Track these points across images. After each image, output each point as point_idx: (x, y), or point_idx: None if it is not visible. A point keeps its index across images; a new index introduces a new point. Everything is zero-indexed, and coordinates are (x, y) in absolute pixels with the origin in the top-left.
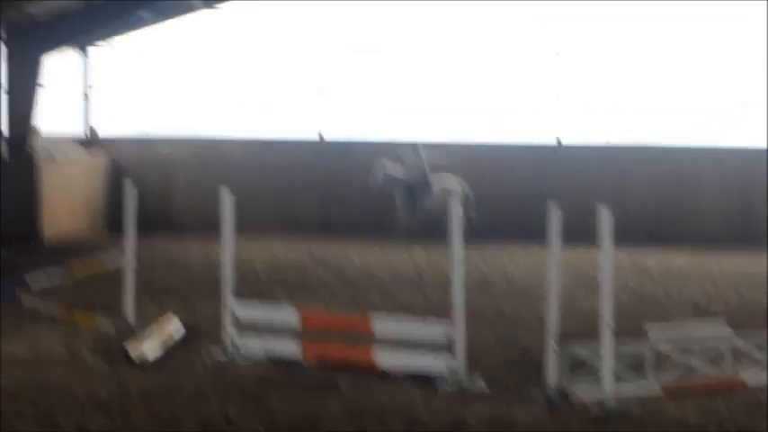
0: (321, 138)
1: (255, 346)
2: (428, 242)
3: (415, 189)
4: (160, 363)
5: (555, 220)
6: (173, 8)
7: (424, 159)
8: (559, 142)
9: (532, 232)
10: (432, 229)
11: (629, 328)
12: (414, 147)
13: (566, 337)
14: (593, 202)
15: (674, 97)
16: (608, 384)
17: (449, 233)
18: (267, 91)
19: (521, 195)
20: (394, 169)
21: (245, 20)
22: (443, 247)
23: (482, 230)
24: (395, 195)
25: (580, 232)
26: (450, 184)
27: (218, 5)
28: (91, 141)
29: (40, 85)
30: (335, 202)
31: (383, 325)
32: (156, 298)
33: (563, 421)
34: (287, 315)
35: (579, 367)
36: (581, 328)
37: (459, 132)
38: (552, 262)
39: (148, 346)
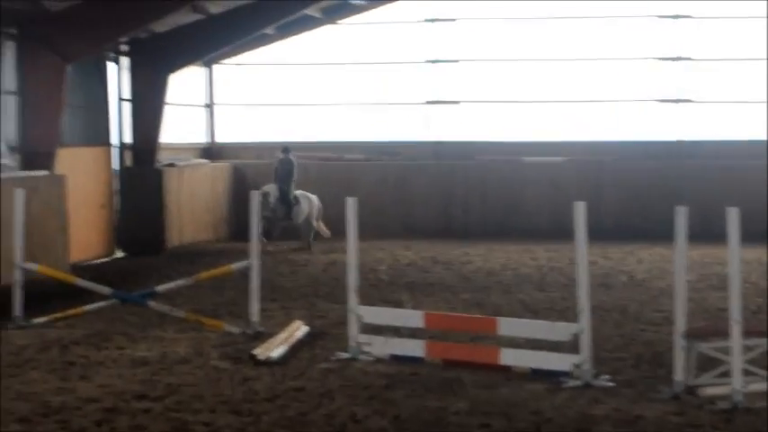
0: (440, 141)
1: (379, 346)
2: (549, 242)
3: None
4: (286, 363)
5: (681, 219)
6: (296, 25)
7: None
8: (683, 139)
9: (656, 230)
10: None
11: (756, 324)
12: (285, 151)
13: (692, 333)
14: (716, 198)
15: None
16: (736, 380)
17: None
18: (386, 99)
19: (643, 193)
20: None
21: (364, 34)
22: (566, 247)
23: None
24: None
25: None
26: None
27: (341, 21)
28: (214, 151)
29: (165, 99)
30: (456, 204)
31: (508, 326)
32: (280, 301)
33: (690, 417)
34: (411, 317)
35: (707, 363)
36: (707, 324)
37: (580, 130)
38: (678, 260)
39: (274, 349)
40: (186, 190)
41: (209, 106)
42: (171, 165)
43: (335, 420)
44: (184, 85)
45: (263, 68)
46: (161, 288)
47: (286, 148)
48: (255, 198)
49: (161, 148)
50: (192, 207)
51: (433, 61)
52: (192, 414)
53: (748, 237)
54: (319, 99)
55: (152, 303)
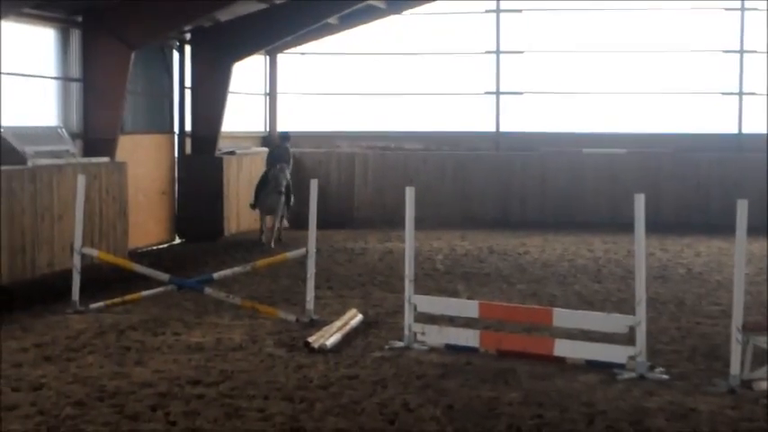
0: (499, 130)
1: (434, 335)
2: (606, 234)
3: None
4: (340, 351)
5: (742, 212)
6: (359, 15)
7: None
8: (744, 132)
9: (714, 223)
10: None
11: None
12: (285, 139)
13: (749, 326)
14: None
15: None
16: None
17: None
18: (447, 90)
19: (702, 186)
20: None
21: (428, 24)
22: (623, 239)
23: (663, 221)
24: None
25: (763, 224)
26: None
27: (405, 12)
28: (273, 138)
29: (228, 88)
30: (514, 195)
31: (564, 317)
32: (335, 289)
33: (745, 410)
34: (466, 306)
35: (763, 357)
36: (764, 318)
37: (641, 122)
38: (738, 253)
39: (329, 337)
40: (245, 178)
41: (271, 95)
42: (231, 153)
43: (388, 409)
44: (246, 73)
45: (325, 58)
46: (218, 275)
47: (286, 135)
48: (315, 186)
49: (222, 136)
50: (250, 195)
51: (497, 52)
52: (245, 400)
53: None
54: (380, 89)
55: (208, 290)
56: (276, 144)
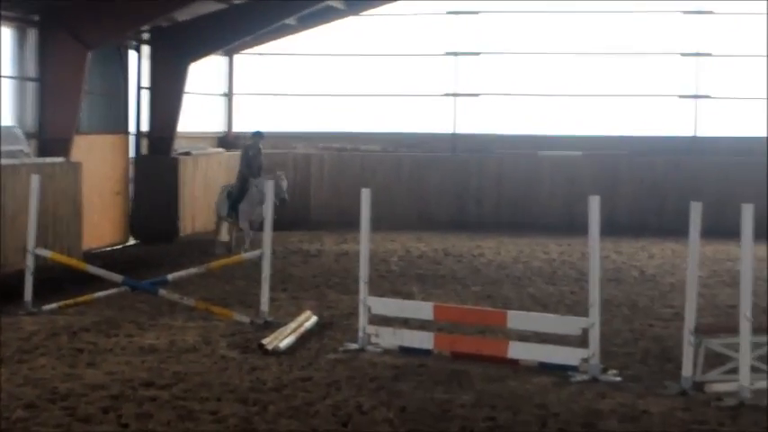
0: (456, 132)
1: (388, 337)
2: (561, 237)
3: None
4: (293, 352)
5: (695, 215)
6: (318, 15)
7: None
8: (699, 135)
9: (668, 226)
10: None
11: (766, 321)
12: (257, 135)
13: (701, 329)
14: (730, 195)
15: None
16: (744, 376)
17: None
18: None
19: (657, 188)
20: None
21: (386, 25)
22: (578, 241)
23: (618, 223)
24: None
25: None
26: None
27: (363, 13)
28: (230, 139)
29: (184, 88)
30: (470, 197)
31: (518, 319)
32: (290, 290)
33: (697, 413)
34: (420, 308)
35: (715, 360)
36: (717, 321)
37: (598, 125)
38: (691, 256)
39: (283, 338)
40: (201, 179)
41: (228, 95)
42: (187, 153)
43: (341, 411)
44: (204, 73)
45: (283, 59)
46: (172, 276)
47: (260, 134)
48: (270, 187)
49: (178, 136)
50: (206, 196)
51: (454, 53)
52: (198, 402)
53: (763, 234)
54: (338, 90)
55: (162, 291)
56: (249, 143)
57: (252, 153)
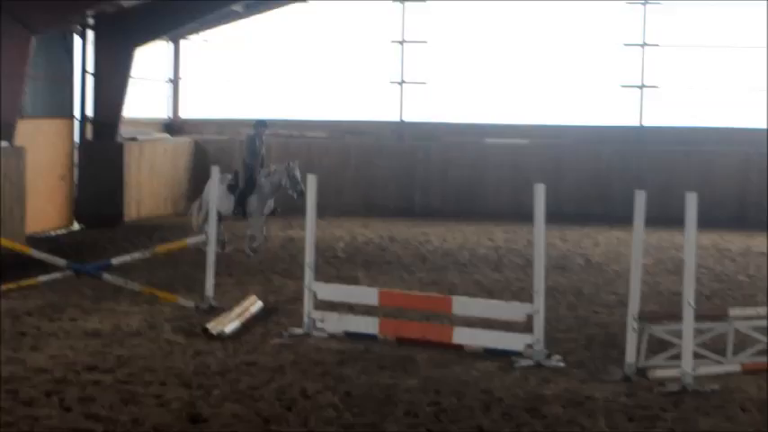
0: (402, 120)
1: (333, 322)
2: (507, 224)
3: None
4: (238, 337)
5: (640, 203)
6: (264, 2)
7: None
8: (644, 124)
9: (613, 214)
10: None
11: (710, 309)
12: (261, 124)
13: (645, 316)
14: (675, 184)
15: (760, 79)
16: (686, 363)
17: None
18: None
19: (603, 177)
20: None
21: (333, 12)
22: (524, 229)
23: (564, 211)
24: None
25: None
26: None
27: (311, 0)
28: (176, 125)
29: (130, 73)
30: (416, 184)
31: (463, 305)
32: (235, 276)
33: (639, 398)
34: (366, 294)
35: (658, 346)
36: (661, 308)
37: (544, 113)
38: (635, 243)
39: (227, 323)
40: (146, 164)
41: (174, 81)
42: (132, 139)
43: (286, 395)
44: (149, 59)
45: (229, 45)
46: (116, 261)
47: (264, 123)
48: (216, 173)
49: (123, 121)
50: (151, 181)
51: (401, 41)
52: (142, 386)
53: (707, 222)
54: (284, 76)
55: (107, 276)
56: (253, 133)
57: (258, 143)
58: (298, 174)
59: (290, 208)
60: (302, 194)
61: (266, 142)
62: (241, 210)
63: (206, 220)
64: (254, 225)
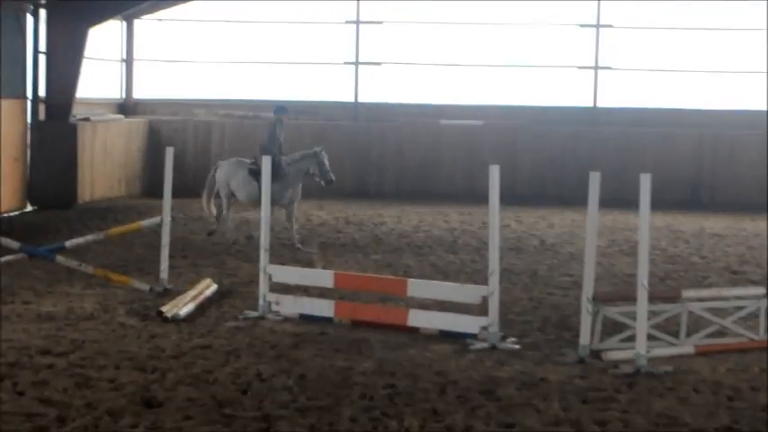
0: (357, 101)
1: (288, 305)
2: (463, 205)
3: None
4: (193, 320)
5: (594, 185)
6: None
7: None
8: (599, 106)
9: (568, 196)
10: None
11: (664, 290)
12: (282, 110)
13: (599, 297)
14: (630, 165)
15: (714, 61)
16: (640, 344)
17: None
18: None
19: (557, 158)
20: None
21: None
22: (479, 210)
23: (519, 193)
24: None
25: (616, 197)
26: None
27: None
28: (129, 106)
29: (83, 53)
30: (371, 165)
31: (418, 288)
32: (190, 258)
33: (593, 380)
34: (321, 276)
35: (612, 328)
36: (615, 290)
37: (495, 95)
38: (590, 225)
39: (182, 306)
40: (100, 145)
41: (127, 61)
42: (85, 119)
43: (241, 379)
44: (103, 39)
45: (183, 25)
46: (70, 243)
47: (285, 108)
48: (170, 154)
49: (76, 102)
50: (105, 162)
51: (356, 21)
52: (96, 370)
53: (661, 203)
54: (239, 56)
55: (60, 258)
56: (275, 119)
57: (278, 129)
58: (327, 161)
59: None
60: (331, 182)
61: (285, 127)
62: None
63: (220, 207)
64: (291, 212)
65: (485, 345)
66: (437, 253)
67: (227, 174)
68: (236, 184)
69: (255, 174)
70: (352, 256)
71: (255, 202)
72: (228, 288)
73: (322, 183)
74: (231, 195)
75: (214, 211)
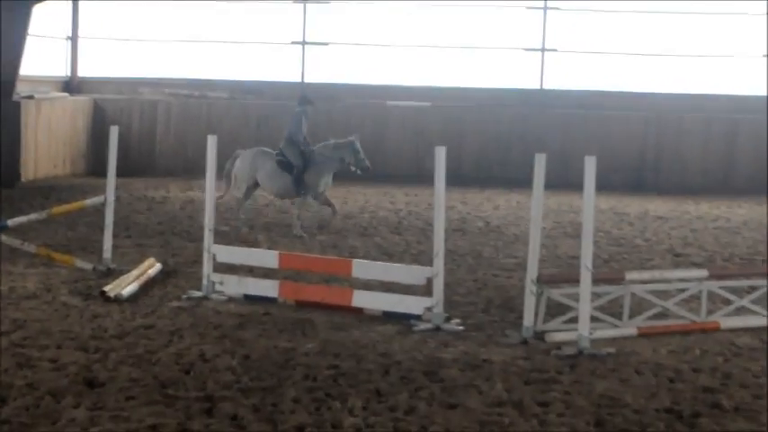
0: (304, 81)
1: (233, 285)
2: (409, 187)
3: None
4: (136, 300)
5: (539, 166)
6: None
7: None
8: (545, 88)
9: (514, 178)
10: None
11: (607, 272)
12: (306, 100)
13: (543, 279)
14: (575, 148)
15: (658, 43)
16: (583, 326)
17: None
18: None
19: (503, 140)
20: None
21: None
22: (425, 192)
23: (465, 174)
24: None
25: (561, 179)
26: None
27: None
28: (74, 84)
29: (27, 30)
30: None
31: (363, 268)
32: (134, 238)
33: (536, 362)
34: (265, 257)
35: (556, 310)
36: (559, 271)
37: (441, 76)
38: (534, 207)
39: (125, 286)
40: (44, 123)
41: (73, 39)
42: (29, 97)
43: (184, 359)
44: (48, 16)
45: (129, 2)
46: (12, 222)
47: (308, 98)
48: (114, 133)
49: (20, 79)
50: (49, 141)
51: (304, 1)
52: (38, 350)
53: (606, 186)
54: (185, 35)
55: (3, 237)
56: (299, 110)
57: (304, 120)
58: (361, 149)
59: (190, 171)
60: (367, 170)
61: (309, 116)
62: (302, 189)
63: (240, 198)
64: (319, 202)
65: (429, 326)
66: (382, 234)
67: (251, 164)
68: (263, 175)
69: (285, 166)
70: (297, 236)
71: (288, 197)
72: (173, 268)
73: (358, 171)
74: (255, 186)
75: (239, 203)
